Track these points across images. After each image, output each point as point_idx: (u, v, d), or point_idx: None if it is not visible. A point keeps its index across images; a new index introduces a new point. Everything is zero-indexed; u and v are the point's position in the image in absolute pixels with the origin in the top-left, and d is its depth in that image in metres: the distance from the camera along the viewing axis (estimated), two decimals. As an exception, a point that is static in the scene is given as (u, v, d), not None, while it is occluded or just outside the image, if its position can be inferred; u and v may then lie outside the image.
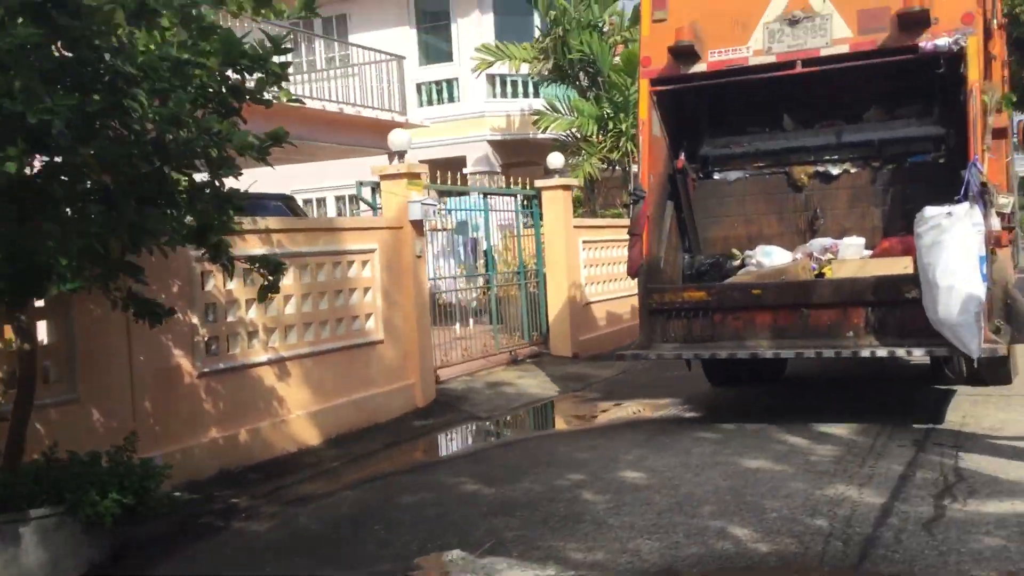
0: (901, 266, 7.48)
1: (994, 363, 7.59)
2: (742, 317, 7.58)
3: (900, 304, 7.07)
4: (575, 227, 12.85)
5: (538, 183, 12.53)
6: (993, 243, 7.12)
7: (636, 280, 8.12)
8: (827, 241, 8.41)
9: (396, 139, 9.45)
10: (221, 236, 5.37)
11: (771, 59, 7.89)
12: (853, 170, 8.80)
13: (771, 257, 8.43)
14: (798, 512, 5.18)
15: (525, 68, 17.59)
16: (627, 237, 8.18)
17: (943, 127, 8.31)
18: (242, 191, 5.45)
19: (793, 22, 7.84)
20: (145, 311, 5.46)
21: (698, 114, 9.18)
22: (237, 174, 5.21)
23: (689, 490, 5.77)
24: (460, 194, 11.89)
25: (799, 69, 7.81)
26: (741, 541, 4.79)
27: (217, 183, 5.20)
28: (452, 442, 8.23)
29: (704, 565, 4.52)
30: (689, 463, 6.44)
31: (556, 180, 12.42)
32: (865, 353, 7.14)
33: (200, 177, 5.29)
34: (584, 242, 13.05)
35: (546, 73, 17.06)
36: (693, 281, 8.58)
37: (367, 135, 16.58)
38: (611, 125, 16.01)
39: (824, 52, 7.73)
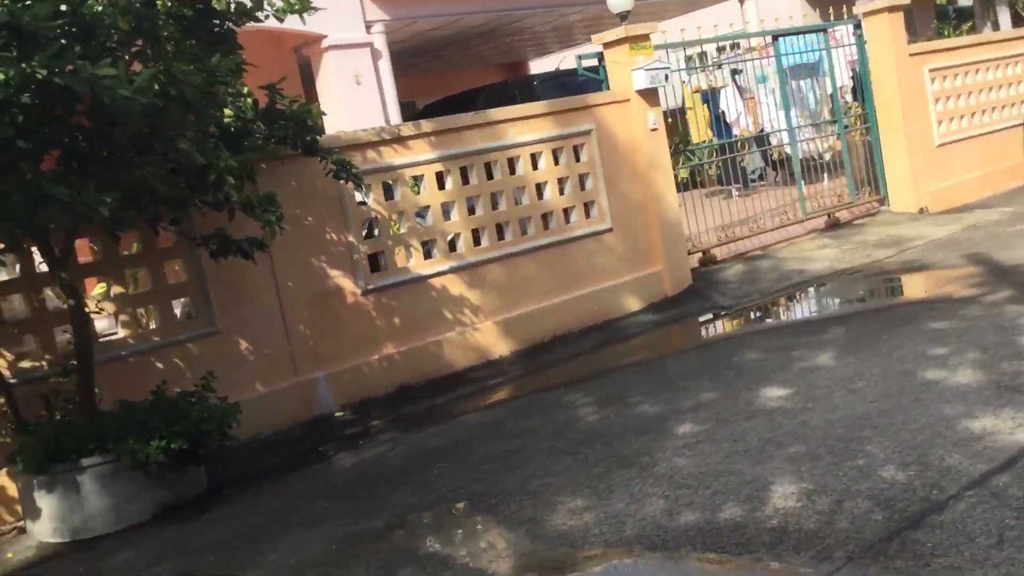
0: None
1: None
2: None
3: None
4: (915, 55, 10.49)
5: (857, 9, 10.39)
6: None
7: None
8: None
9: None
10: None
11: None
12: None
13: None
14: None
15: None
16: (1014, 54, 8.99)
17: None
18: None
19: None
20: (225, 250, 5.53)
21: None
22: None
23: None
24: (734, 42, 10.31)
25: None
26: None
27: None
28: (658, 344, 7.27)
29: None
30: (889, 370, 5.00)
31: (881, 2, 10.17)
32: None
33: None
34: (933, 71, 10.63)
35: None
36: None
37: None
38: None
39: None
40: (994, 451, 3.70)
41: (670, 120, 9.64)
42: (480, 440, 5.26)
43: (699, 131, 13.52)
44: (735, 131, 13.05)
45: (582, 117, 8.04)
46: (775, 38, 10.06)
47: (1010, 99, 11.52)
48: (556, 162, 7.88)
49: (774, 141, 11.70)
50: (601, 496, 4.06)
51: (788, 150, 11.10)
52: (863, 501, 3.48)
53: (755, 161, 13.67)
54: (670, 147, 9.12)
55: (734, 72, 12.96)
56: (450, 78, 16.94)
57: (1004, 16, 14.75)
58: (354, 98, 11.07)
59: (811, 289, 7.99)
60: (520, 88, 12.62)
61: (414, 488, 4.64)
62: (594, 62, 8.59)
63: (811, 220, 10.05)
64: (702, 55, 11.68)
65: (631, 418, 5.12)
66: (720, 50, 13.19)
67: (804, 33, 10.30)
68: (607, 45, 8.38)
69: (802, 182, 10.04)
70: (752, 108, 13.64)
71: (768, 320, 7.57)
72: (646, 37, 8.35)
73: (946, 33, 15.00)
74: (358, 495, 4.72)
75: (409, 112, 14.45)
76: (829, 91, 11.06)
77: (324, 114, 6.29)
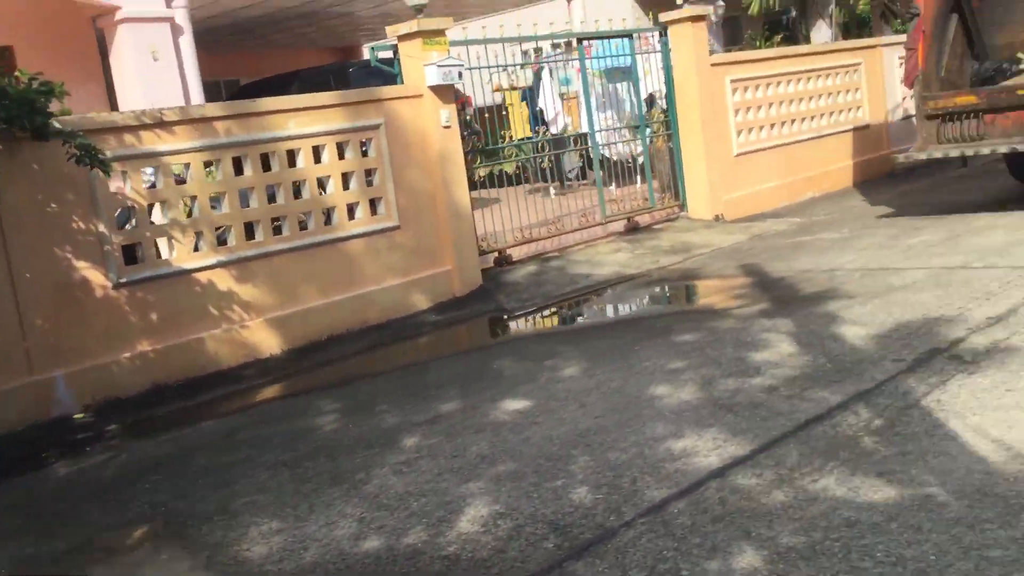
0: None
1: None
2: (1011, 116, 8.36)
3: None
4: (717, 65, 10.77)
5: (662, 16, 10.56)
6: None
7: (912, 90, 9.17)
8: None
9: (409, -9, 8.18)
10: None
11: None
12: None
13: None
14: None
15: None
16: (813, 68, 10.25)
17: None
18: None
19: None
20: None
21: None
22: None
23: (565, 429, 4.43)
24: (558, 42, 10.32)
25: None
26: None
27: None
28: (430, 347, 7.17)
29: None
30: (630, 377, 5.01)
31: (684, 11, 10.38)
32: None
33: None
34: (734, 81, 10.93)
35: None
36: (982, 85, 9.23)
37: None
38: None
39: None
40: (683, 475, 3.73)
41: (487, 115, 9.61)
42: (207, 450, 5.01)
43: (517, 129, 13.55)
44: (553, 130, 13.11)
45: (371, 111, 7.84)
46: (580, 41, 10.10)
47: (810, 112, 11.98)
48: (341, 156, 7.65)
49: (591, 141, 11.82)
50: (300, 517, 3.89)
51: (605, 151, 11.25)
52: (543, 526, 3.44)
53: (572, 160, 13.81)
54: (480, 145, 9.05)
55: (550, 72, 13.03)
56: (276, 59, 16.40)
57: (823, 30, 15.35)
58: (150, 76, 10.50)
59: (592, 295, 8.04)
60: (335, 75, 12.33)
61: (117, 504, 4.35)
62: (390, 54, 8.40)
63: (612, 223, 10.17)
64: (529, 52, 11.70)
65: (368, 429, 4.98)
66: (538, 50, 13.25)
67: (610, 38, 10.40)
68: (401, 38, 8.20)
69: (602, 185, 10.16)
70: (571, 108, 13.76)
71: (540, 326, 7.58)
72: (441, 32, 8.21)
73: (759, 44, 15.53)
74: (54, 511, 4.40)
75: (219, 92, 13.87)
76: (645, 95, 11.25)
77: (67, 93, 5.85)
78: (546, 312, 7.78)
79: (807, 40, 14.52)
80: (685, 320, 6.51)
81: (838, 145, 12.37)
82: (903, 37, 14.97)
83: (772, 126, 11.50)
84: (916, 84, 9.04)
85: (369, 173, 7.82)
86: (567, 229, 9.77)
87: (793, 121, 11.77)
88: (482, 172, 9.15)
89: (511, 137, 11.25)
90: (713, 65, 10.66)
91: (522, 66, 9.75)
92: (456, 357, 6.67)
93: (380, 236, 7.84)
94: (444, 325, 7.56)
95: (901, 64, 13.34)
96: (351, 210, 7.71)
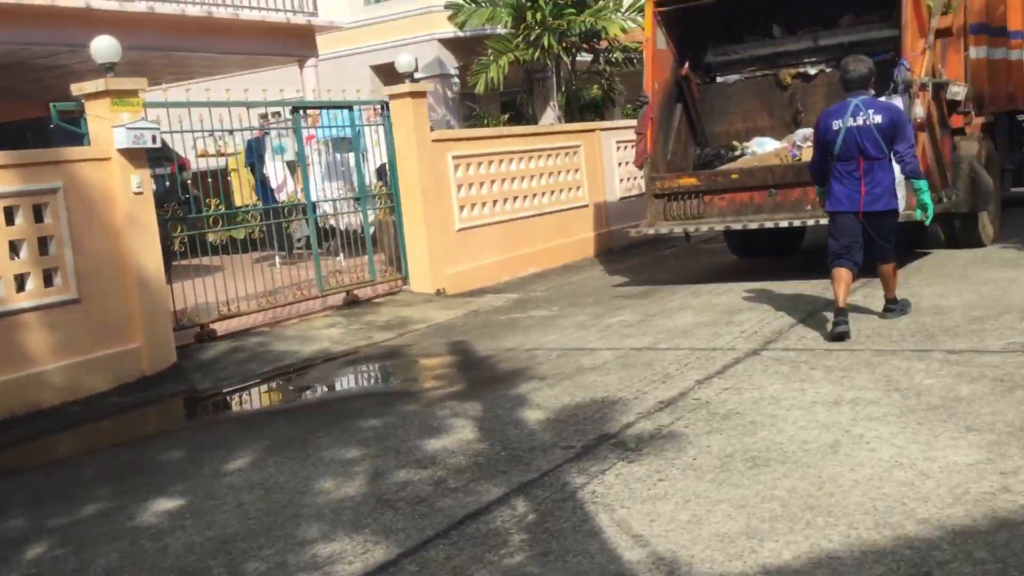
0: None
1: (965, 229, 9.70)
2: (726, 197, 9.21)
3: None
4: (438, 141, 10.85)
5: (385, 90, 10.54)
6: (921, 126, 8.59)
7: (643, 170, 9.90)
8: (807, 131, 9.10)
9: (97, 46, 7.63)
10: None
11: None
12: (828, 70, 9.97)
13: (764, 146, 10.05)
14: None
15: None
16: (534, 148, 11.35)
17: (899, 30, 9.01)
18: None
19: None
20: None
21: (704, 27, 10.36)
22: None
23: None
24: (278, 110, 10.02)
25: None
26: None
27: None
28: (97, 436, 6.51)
29: None
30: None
31: (404, 86, 10.40)
32: (811, 222, 8.65)
33: None
34: (456, 157, 11.04)
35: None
36: (703, 168, 10.09)
37: (271, 42, 14.73)
38: (530, 16, 13.61)
39: None
40: (320, 586, 3.45)
41: (210, 180, 9.11)
42: None
43: (244, 195, 13.05)
44: (280, 197, 12.71)
45: (50, 173, 7.17)
46: (295, 110, 9.86)
47: (532, 190, 12.31)
48: (10, 222, 6.92)
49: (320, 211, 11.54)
50: None
51: (333, 221, 10.99)
52: (145, 660, 3.04)
53: (301, 229, 13.43)
54: (181, 212, 8.51)
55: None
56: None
57: (549, 113, 15.95)
58: None
59: (293, 374, 7.68)
60: (34, 130, 11.38)
61: None
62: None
63: (330, 296, 9.87)
64: (253, 117, 11.27)
65: (-14, 539, 4.34)
66: (264, 116, 12.89)
67: (330, 108, 10.24)
68: (89, 97, 7.61)
69: (327, 256, 9.89)
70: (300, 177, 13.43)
71: (226, 410, 7.13)
72: (133, 93, 7.70)
73: (487, 121, 15.98)
74: None
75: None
76: (377, 165, 11.13)
77: None
78: (237, 394, 7.33)
79: (534, 120, 15.05)
80: (378, 403, 6.30)
81: (560, 222, 12.78)
82: (623, 122, 15.95)
83: (495, 202, 11.70)
84: (645, 166, 9.72)
85: (45, 240, 7.12)
86: (281, 302, 9.38)
87: (516, 198, 12.04)
88: (212, 238, 8.64)
89: (233, 204, 10.77)
90: (435, 141, 10.73)
91: (231, 132, 9.33)
92: (123, 447, 6.08)
93: (57, 310, 7.12)
94: (124, 409, 6.93)
95: (620, 148, 14.11)
96: (21, 281, 6.97)
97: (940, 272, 8.73)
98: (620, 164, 14.20)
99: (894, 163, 6.65)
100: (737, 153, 10.17)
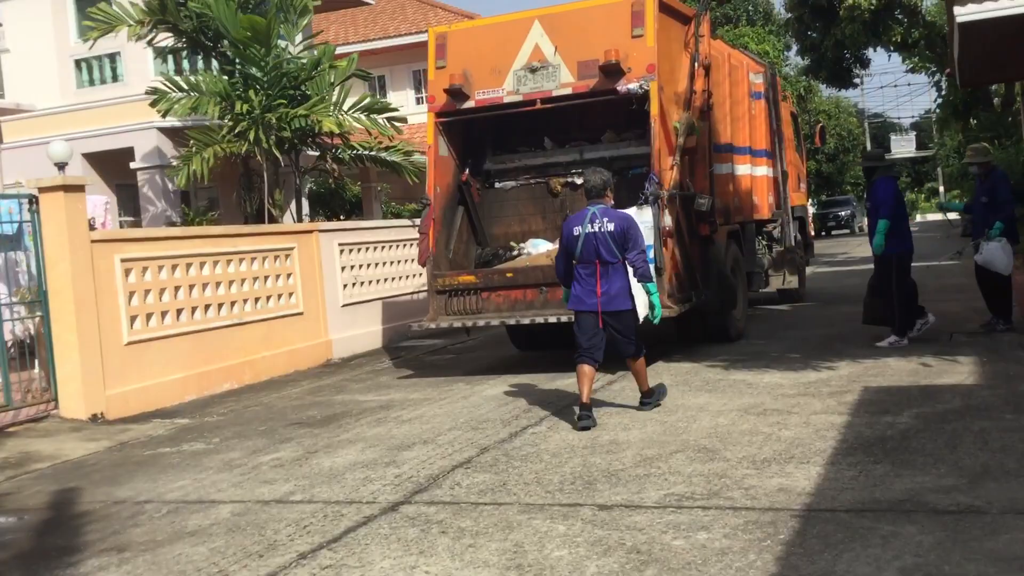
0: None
1: (716, 326, 10.76)
2: (502, 294, 9.67)
3: None
4: (101, 241, 9.44)
5: (32, 183, 9.08)
6: (669, 233, 9.41)
7: (425, 268, 10.31)
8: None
9: None
10: None
11: (519, 98, 10.10)
12: None
13: (539, 247, 10.70)
14: None
15: (126, 35, 13.78)
16: (235, 251, 10.92)
17: (649, 148, 9.69)
18: None
19: (533, 70, 10.05)
20: None
21: (483, 137, 11.11)
22: None
23: None
24: None
25: (539, 106, 10.04)
26: None
27: None
28: None
29: None
30: None
31: (56, 179, 9.01)
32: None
33: None
34: (126, 261, 9.65)
35: (166, 38, 13.51)
36: (483, 267, 10.66)
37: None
38: (239, 106, 12.51)
39: (555, 93, 9.97)
40: None
41: None
42: None
43: None
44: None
45: None
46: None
47: (230, 297, 11.05)
48: None
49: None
50: None
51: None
52: None
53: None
54: None
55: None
56: None
57: (288, 209, 14.76)
58: None
59: None
60: None
61: None
62: None
63: (-59, 426, 8.15)
64: None
65: None
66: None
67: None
68: None
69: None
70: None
71: None
72: None
73: (191, 218, 14.65)
74: None
75: None
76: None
77: None
78: None
79: (254, 218, 13.84)
80: None
81: (266, 333, 11.54)
82: (347, 223, 15.06)
83: (180, 311, 10.33)
84: (428, 263, 10.15)
85: None
86: None
87: (209, 306, 10.73)
88: None
89: None
90: (97, 241, 9.31)
91: None
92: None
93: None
94: None
95: (344, 251, 13.12)
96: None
97: (637, 395, 8.15)
98: (344, 268, 13.20)
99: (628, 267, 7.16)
100: (515, 253, 10.79)
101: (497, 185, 11.23)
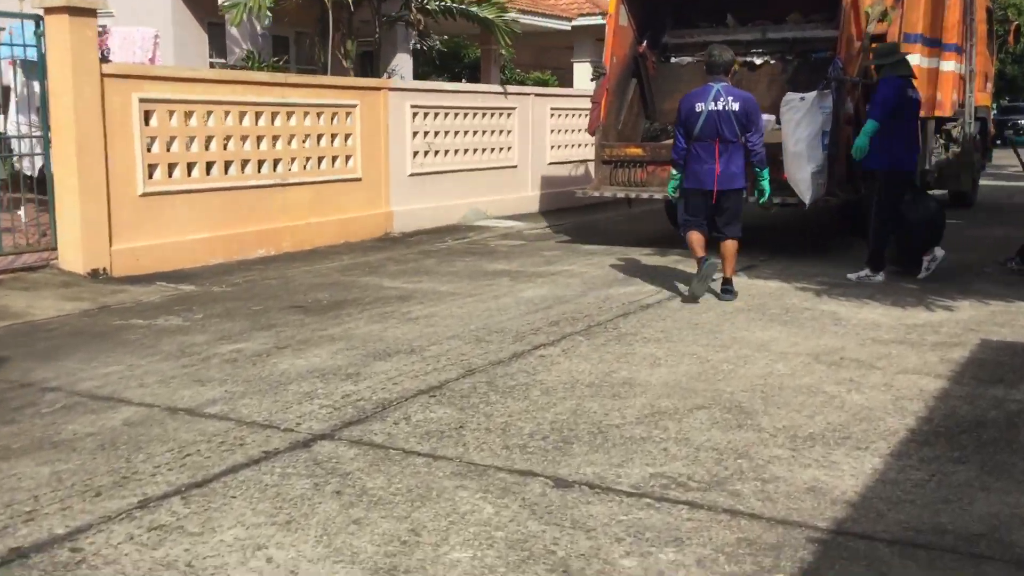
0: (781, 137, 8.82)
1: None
2: (667, 169, 8.32)
3: (774, 164, 7.97)
4: (116, 76, 8.38)
5: (35, 2, 8.02)
6: (848, 120, 9.35)
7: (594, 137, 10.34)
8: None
9: None
10: None
11: None
12: (772, 61, 10.63)
13: None
14: None
15: None
16: (283, 102, 9.81)
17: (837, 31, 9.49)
18: None
19: None
20: None
21: (664, 9, 10.90)
22: None
23: None
24: None
25: None
26: None
27: None
28: None
29: None
30: None
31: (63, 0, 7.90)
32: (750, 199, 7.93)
33: None
34: (146, 101, 8.61)
35: None
36: (650, 141, 10.51)
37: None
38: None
39: None
40: None
41: None
42: None
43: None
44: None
45: None
46: None
47: (274, 154, 9.93)
48: None
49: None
50: None
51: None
52: None
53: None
54: None
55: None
56: None
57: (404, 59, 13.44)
58: None
59: None
60: None
61: None
62: None
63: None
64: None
65: None
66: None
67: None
68: None
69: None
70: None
71: None
72: None
73: (252, 66, 13.42)
74: None
75: None
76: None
77: None
78: None
79: (326, 70, 12.57)
80: None
81: (317, 197, 10.43)
82: (426, 83, 13.67)
83: (211, 165, 9.29)
84: (597, 133, 10.18)
85: None
86: None
87: (246, 163, 9.64)
88: None
89: None
90: (110, 76, 8.25)
91: None
92: None
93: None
94: None
95: (417, 115, 11.79)
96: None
97: (693, 320, 6.66)
98: (416, 134, 11.89)
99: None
100: None
101: (673, 60, 11.10)
